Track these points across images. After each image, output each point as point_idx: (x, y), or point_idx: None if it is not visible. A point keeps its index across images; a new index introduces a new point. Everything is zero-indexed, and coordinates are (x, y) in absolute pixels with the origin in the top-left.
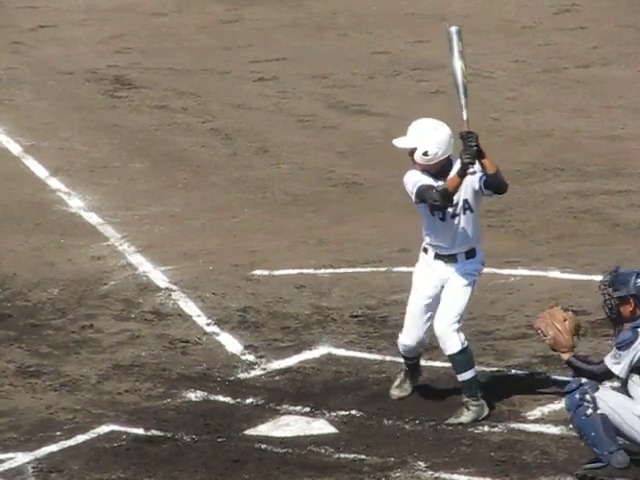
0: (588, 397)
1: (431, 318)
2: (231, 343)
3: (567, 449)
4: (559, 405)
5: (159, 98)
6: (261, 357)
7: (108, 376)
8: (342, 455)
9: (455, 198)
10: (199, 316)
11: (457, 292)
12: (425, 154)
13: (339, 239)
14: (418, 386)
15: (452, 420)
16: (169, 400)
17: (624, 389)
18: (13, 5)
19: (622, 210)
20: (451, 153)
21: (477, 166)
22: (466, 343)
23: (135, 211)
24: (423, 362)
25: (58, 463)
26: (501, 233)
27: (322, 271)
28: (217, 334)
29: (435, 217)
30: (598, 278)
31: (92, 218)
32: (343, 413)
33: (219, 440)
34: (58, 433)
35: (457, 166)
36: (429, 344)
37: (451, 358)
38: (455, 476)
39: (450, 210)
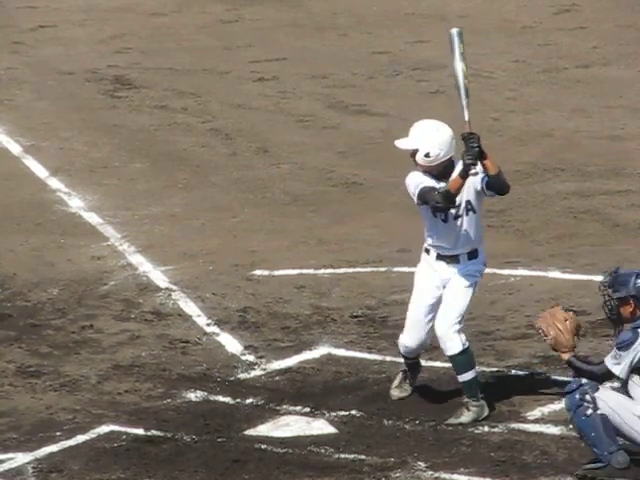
0: (588, 397)
1: (433, 319)
2: (231, 343)
3: (567, 449)
4: (559, 405)
5: (159, 98)
6: (261, 357)
7: (108, 376)
8: (342, 455)
9: (457, 199)
10: (199, 316)
11: (459, 293)
12: (427, 155)
13: (339, 239)
14: (418, 386)
15: (452, 420)
16: (169, 400)
17: (624, 389)
18: (13, 5)
19: (622, 210)
20: (453, 154)
21: (479, 167)
22: (467, 344)
23: (135, 211)
24: (423, 362)
25: (58, 463)
26: (501, 233)
27: (322, 271)
28: (217, 334)
29: (437, 218)
30: (598, 278)
31: (92, 218)
32: (343, 413)
33: (219, 440)
34: (58, 433)
35: (459, 167)
36: (430, 344)
37: (452, 359)
38: (455, 476)
39: (452, 211)
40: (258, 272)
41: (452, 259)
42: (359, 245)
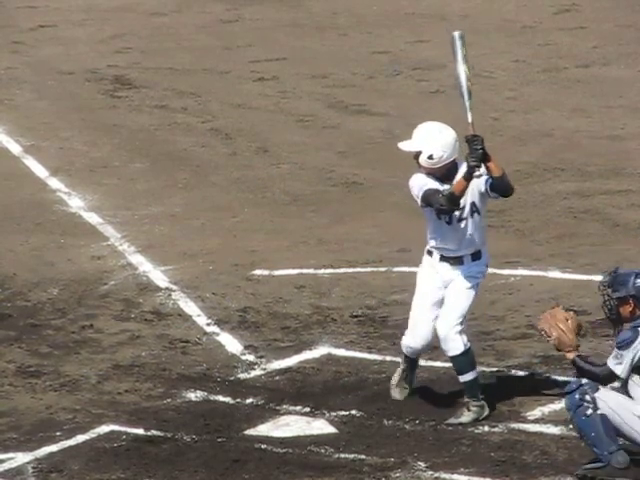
0: (588, 397)
1: (436, 320)
2: (231, 343)
3: (567, 449)
4: (559, 405)
5: (159, 98)
6: (261, 357)
7: (108, 376)
8: (342, 455)
9: (461, 202)
10: (199, 316)
11: (461, 294)
12: (430, 157)
13: (339, 239)
14: (418, 386)
15: (452, 420)
16: (169, 400)
17: (624, 389)
18: (13, 5)
19: (622, 210)
20: (456, 156)
21: (483, 169)
22: (469, 344)
23: (135, 211)
24: (423, 362)
25: (58, 463)
26: (501, 233)
27: (322, 271)
28: (217, 334)
29: (441, 221)
30: (598, 278)
31: (92, 218)
32: (343, 413)
33: (219, 440)
34: (58, 433)
35: (462, 169)
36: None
37: (453, 359)
38: (455, 476)
39: (457, 213)
40: (258, 272)
41: (456, 260)
42: (359, 245)
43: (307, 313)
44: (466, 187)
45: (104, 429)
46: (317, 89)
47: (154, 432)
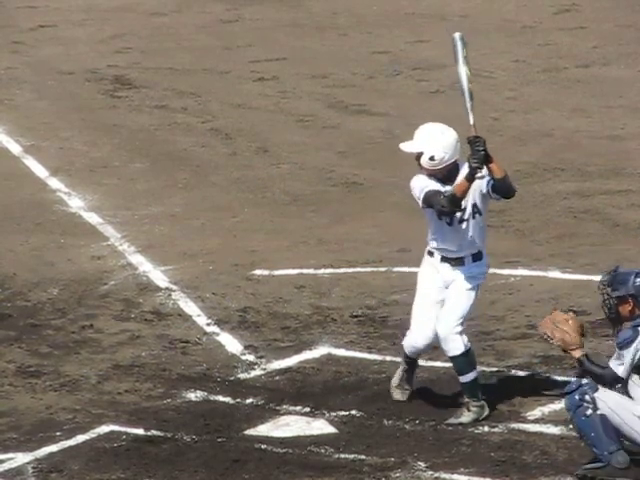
0: (588, 398)
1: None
2: (231, 343)
3: (567, 449)
4: (559, 405)
5: (159, 98)
6: (261, 357)
7: (108, 376)
8: (342, 455)
9: (463, 203)
10: (199, 316)
11: (461, 295)
12: (432, 159)
13: (339, 239)
14: (418, 386)
15: (452, 420)
16: (169, 400)
17: (624, 389)
18: (13, 5)
19: (622, 210)
20: (458, 158)
21: (485, 171)
22: (469, 345)
23: (135, 211)
24: (423, 362)
25: (58, 463)
26: (501, 233)
27: (322, 271)
28: (217, 334)
29: (442, 222)
30: (598, 278)
31: (92, 218)
32: (343, 413)
33: (219, 440)
34: (58, 433)
35: (464, 171)
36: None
37: (453, 360)
38: (455, 476)
39: (458, 215)
40: (258, 272)
41: (457, 261)
42: (359, 245)
43: (307, 313)
44: (468, 188)
45: (104, 429)
46: (317, 89)
47: (154, 432)
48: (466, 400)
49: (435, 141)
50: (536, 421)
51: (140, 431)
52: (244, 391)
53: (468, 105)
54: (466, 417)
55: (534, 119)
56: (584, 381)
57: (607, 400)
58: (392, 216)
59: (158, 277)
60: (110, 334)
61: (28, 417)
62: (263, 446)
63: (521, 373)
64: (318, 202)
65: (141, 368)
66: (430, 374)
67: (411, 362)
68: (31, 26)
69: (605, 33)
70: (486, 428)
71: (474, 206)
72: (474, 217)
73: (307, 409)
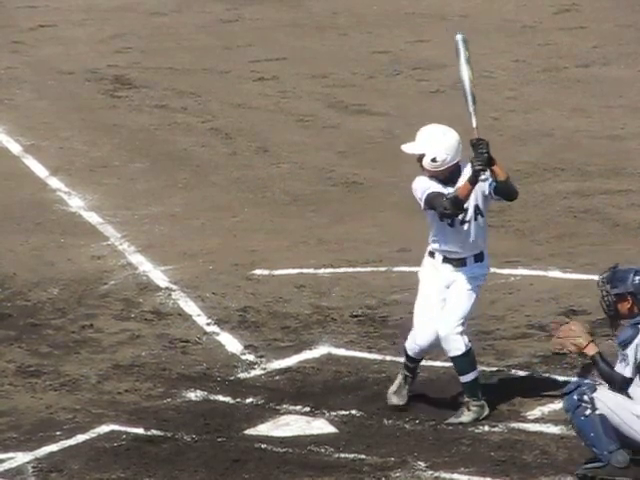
0: (586, 398)
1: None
2: (231, 343)
3: (567, 449)
4: (559, 405)
5: (159, 98)
6: (261, 357)
7: (108, 376)
8: (342, 455)
9: (465, 205)
10: (199, 316)
11: (462, 295)
12: (434, 160)
13: (339, 239)
14: (418, 386)
15: (452, 420)
16: (169, 400)
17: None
18: (13, 5)
19: (622, 210)
20: (459, 159)
21: (488, 173)
22: (470, 345)
23: (135, 211)
24: (423, 362)
25: (58, 463)
26: (501, 233)
27: (322, 271)
28: (217, 334)
29: (444, 223)
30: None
31: (92, 218)
32: (343, 413)
33: (219, 440)
34: (58, 433)
35: (465, 172)
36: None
37: (454, 360)
38: (455, 476)
39: (460, 216)
40: (258, 272)
41: (459, 262)
42: (359, 245)
43: (307, 313)
44: (471, 191)
45: (104, 429)
46: (317, 89)
47: (154, 432)
48: (466, 400)
49: (437, 143)
50: (536, 421)
51: (140, 431)
52: (244, 391)
53: (471, 108)
54: (466, 416)
55: (534, 119)
56: (582, 382)
57: (606, 400)
58: (392, 216)
59: (158, 277)
60: (110, 334)
61: (28, 417)
62: (263, 446)
63: (521, 373)
64: (318, 202)
65: (141, 368)
66: (430, 374)
67: (412, 368)
68: (31, 26)
69: (605, 33)
70: (486, 428)
71: (476, 208)
72: (476, 219)
73: (307, 409)
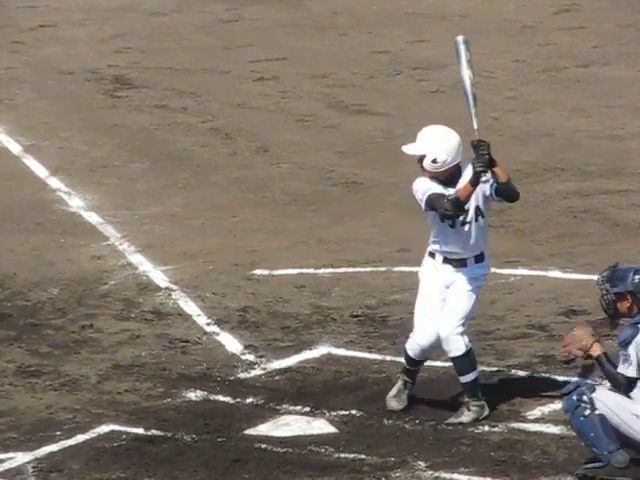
0: (585, 398)
1: None
2: (231, 343)
3: (567, 449)
4: (559, 405)
5: (159, 98)
6: (261, 357)
7: (108, 376)
8: (342, 455)
9: (466, 206)
10: (199, 316)
11: (463, 295)
12: (434, 161)
13: (339, 239)
14: (418, 386)
15: (452, 420)
16: (169, 400)
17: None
18: (13, 5)
19: (622, 210)
20: (460, 160)
21: (489, 174)
22: (470, 345)
23: (135, 211)
24: None
25: (58, 463)
26: (501, 233)
27: (322, 271)
28: (217, 334)
29: (445, 224)
30: None
31: (92, 218)
32: (343, 413)
33: (219, 440)
34: (58, 433)
35: (466, 173)
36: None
37: (454, 360)
38: (455, 476)
39: (460, 217)
40: (258, 272)
41: (459, 262)
42: (359, 245)
43: (307, 313)
44: (472, 192)
45: (104, 429)
46: (317, 89)
47: (154, 432)
48: (466, 400)
49: (438, 144)
50: (536, 421)
51: (140, 431)
52: (244, 391)
53: (472, 110)
54: (466, 416)
55: (534, 119)
56: (582, 382)
57: (606, 400)
58: (392, 216)
59: (158, 277)
60: (110, 334)
61: (28, 417)
62: (263, 446)
63: (521, 373)
64: (318, 202)
65: (141, 368)
66: (430, 374)
67: (412, 373)
68: (31, 26)
69: (605, 33)
70: (486, 428)
71: (477, 209)
72: (477, 220)
73: (307, 409)
